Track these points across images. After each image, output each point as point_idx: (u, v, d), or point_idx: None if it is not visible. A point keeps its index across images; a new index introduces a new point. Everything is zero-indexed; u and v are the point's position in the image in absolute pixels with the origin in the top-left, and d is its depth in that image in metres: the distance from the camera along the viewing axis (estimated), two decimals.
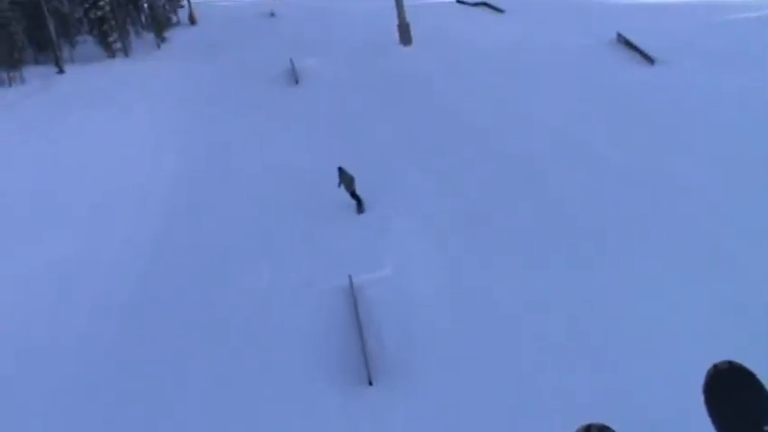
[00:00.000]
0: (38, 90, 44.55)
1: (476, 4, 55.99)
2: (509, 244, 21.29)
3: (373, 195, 25.38)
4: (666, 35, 35.34)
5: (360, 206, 25.27)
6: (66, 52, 52.56)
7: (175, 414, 17.25)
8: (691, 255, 18.63)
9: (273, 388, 17.55)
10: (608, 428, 2.16)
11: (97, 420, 17.53)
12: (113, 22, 52.42)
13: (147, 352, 20.04)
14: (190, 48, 52.25)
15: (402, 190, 25.97)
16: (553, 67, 35.33)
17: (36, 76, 47.84)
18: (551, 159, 25.93)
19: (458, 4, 58.25)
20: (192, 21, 64.45)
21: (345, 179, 25.16)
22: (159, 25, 55.39)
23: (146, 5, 61.53)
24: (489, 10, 53.32)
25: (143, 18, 61.50)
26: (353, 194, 25.29)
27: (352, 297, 20.18)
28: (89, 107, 39.02)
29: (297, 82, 40.98)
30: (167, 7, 64.65)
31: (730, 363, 2.36)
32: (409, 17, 45.52)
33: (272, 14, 65.15)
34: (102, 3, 52.01)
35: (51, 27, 50.66)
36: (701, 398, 2.34)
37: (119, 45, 52.77)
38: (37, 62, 51.39)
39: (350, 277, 20.86)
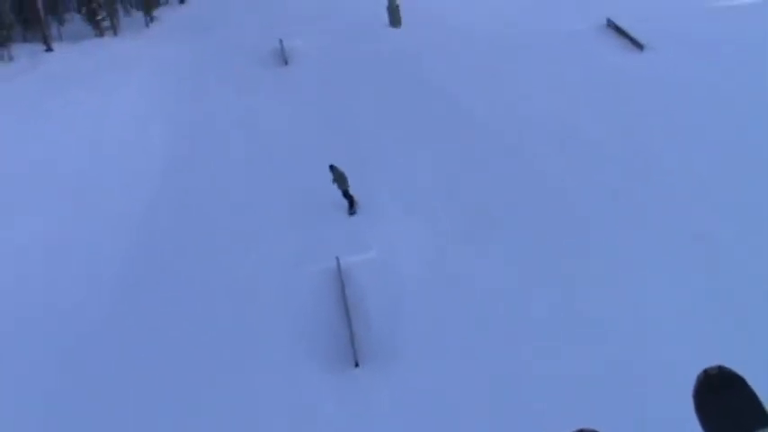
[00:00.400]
0: (26, 68, 44.19)
1: None
2: (495, 226, 21.40)
3: (361, 176, 25.30)
4: (658, 21, 35.32)
5: (351, 207, 23.88)
6: (54, 30, 52.17)
7: (163, 392, 17.34)
8: (679, 239, 18.82)
9: (260, 368, 17.68)
10: None
11: (85, 397, 17.63)
12: (102, 0, 52.07)
13: (134, 330, 20.10)
14: (179, 26, 51.84)
15: (389, 171, 25.98)
16: (542, 51, 35.30)
17: (24, 53, 47.42)
18: (540, 143, 26.03)
19: None
20: None
21: (338, 176, 23.74)
22: (148, 4, 54.94)
23: None
24: None
25: None
26: (346, 193, 23.86)
27: (340, 279, 20.28)
28: (78, 86, 38.75)
29: (286, 63, 40.83)
30: None
31: (720, 368, 2.31)
32: None
33: None
34: None
35: (39, 4, 50.31)
36: (690, 390, 2.30)
37: (107, 23, 52.34)
38: (25, 40, 50.96)
39: (337, 259, 20.94)
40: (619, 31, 36.71)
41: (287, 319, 19.38)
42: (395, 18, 44.88)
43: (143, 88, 38.69)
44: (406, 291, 19.35)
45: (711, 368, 2.31)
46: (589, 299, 17.28)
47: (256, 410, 16.36)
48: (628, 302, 16.85)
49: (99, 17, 52.37)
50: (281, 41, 42.28)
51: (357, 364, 17.19)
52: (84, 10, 53.24)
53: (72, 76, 41.01)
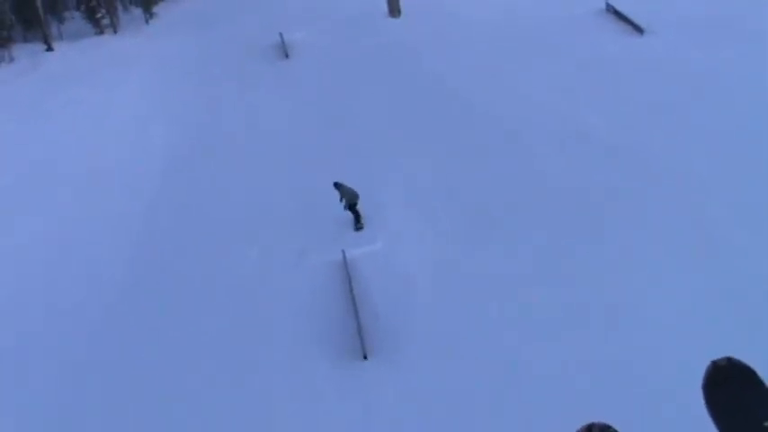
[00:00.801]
0: (27, 68, 44.29)
1: None
2: (498, 219, 21.41)
3: (363, 169, 25.29)
4: (657, 3, 35.14)
5: (358, 222, 22.55)
6: (54, 29, 52.23)
7: (169, 387, 17.42)
8: (681, 232, 18.82)
9: (268, 362, 17.75)
10: (610, 428, 2.12)
11: (87, 396, 17.75)
12: None
13: (136, 328, 20.18)
14: (179, 22, 51.82)
15: (392, 163, 25.94)
16: (542, 37, 35.21)
17: (25, 54, 47.52)
18: (538, 132, 25.97)
19: None
20: None
21: (346, 194, 22.46)
22: (147, 0, 54.95)
23: None
24: None
25: None
26: (352, 208, 22.52)
27: (346, 272, 20.32)
28: (78, 85, 38.85)
29: (287, 56, 40.83)
30: None
31: (729, 359, 2.29)
32: None
33: None
34: None
35: (39, 3, 50.36)
36: (693, 380, 2.37)
37: (107, 21, 52.40)
38: (25, 40, 51.03)
39: (343, 252, 20.98)
40: (618, 15, 36.62)
41: (293, 312, 19.41)
42: (394, 8, 44.85)
43: (144, 85, 38.75)
44: (413, 283, 19.39)
45: (720, 360, 2.30)
46: (592, 293, 17.28)
47: (264, 404, 16.41)
48: (631, 297, 16.84)
49: (98, 15, 52.42)
50: (281, 35, 42.26)
51: (365, 357, 17.25)
52: (83, 8, 53.27)
53: (73, 75, 41.11)
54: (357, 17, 44.20)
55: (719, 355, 2.33)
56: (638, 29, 34.23)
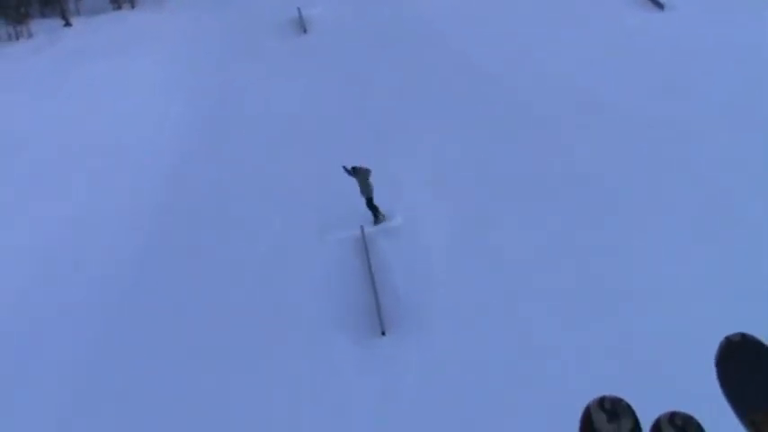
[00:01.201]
0: (45, 44, 44.27)
1: None
2: (519, 194, 21.40)
3: (383, 145, 25.26)
4: None
5: (377, 219, 21.55)
6: (71, 4, 52.20)
7: (190, 365, 17.56)
8: (700, 207, 18.78)
9: (287, 338, 17.85)
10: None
11: (110, 377, 17.89)
12: None
13: (162, 299, 20.37)
14: None
15: (412, 141, 25.92)
16: (563, 12, 34.94)
17: (43, 29, 47.48)
18: (561, 106, 25.90)
19: None
20: None
21: (361, 180, 21.13)
22: None
23: None
24: None
25: None
26: (369, 202, 21.36)
27: (365, 248, 20.36)
28: (97, 61, 38.81)
29: (305, 31, 40.71)
30: None
31: (743, 335, 2.25)
32: None
33: None
34: None
35: None
36: (710, 361, 2.28)
37: None
38: (43, 15, 51.01)
39: (362, 228, 21.01)
40: None
41: (312, 288, 19.50)
42: None
43: (163, 61, 38.71)
44: (431, 259, 19.44)
45: (734, 335, 2.27)
46: (615, 265, 17.32)
47: (283, 380, 16.54)
48: (649, 274, 16.86)
49: None
50: (299, 10, 42.12)
51: (384, 333, 17.33)
52: None
53: (90, 51, 41.07)
54: None
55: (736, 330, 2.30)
56: (659, 3, 33.87)
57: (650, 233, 18.31)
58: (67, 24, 48.79)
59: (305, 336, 17.86)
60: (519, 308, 16.88)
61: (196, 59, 38.69)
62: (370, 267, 19.47)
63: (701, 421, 2.07)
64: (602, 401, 2.17)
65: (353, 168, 21.28)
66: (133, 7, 52.26)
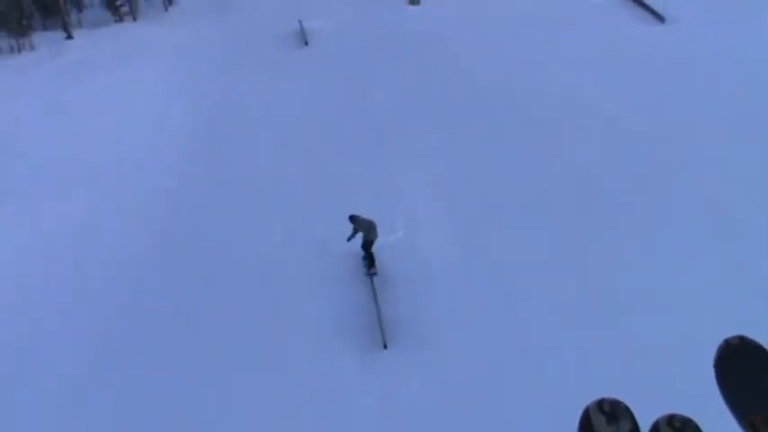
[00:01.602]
0: (47, 57, 44.39)
1: None
2: (519, 203, 21.43)
3: (385, 157, 25.28)
4: None
5: (371, 267, 19.61)
6: (73, 17, 52.40)
7: (189, 372, 17.50)
8: (700, 214, 18.81)
9: (288, 350, 17.77)
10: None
11: (115, 377, 17.85)
12: None
13: (162, 295, 20.39)
14: (198, 9, 51.89)
15: (413, 152, 25.95)
16: (563, 26, 35.08)
17: (45, 42, 47.65)
18: (562, 115, 25.97)
19: None
20: None
21: (363, 229, 19.63)
22: None
23: None
24: None
25: None
26: (367, 247, 19.70)
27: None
28: (99, 73, 38.91)
29: (306, 43, 40.83)
30: None
31: (742, 338, 2.25)
32: None
33: None
34: None
35: None
36: (711, 366, 2.27)
37: (126, 8, 52.56)
38: (45, 28, 51.21)
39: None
40: (638, 2, 36.40)
41: (314, 300, 19.41)
42: None
43: (165, 73, 38.79)
44: (434, 272, 19.40)
45: (733, 338, 2.26)
46: (616, 273, 17.34)
47: (284, 392, 16.46)
48: (652, 282, 16.88)
49: (118, 2, 52.53)
50: (300, 22, 42.25)
51: (385, 346, 17.28)
52: None
53: (93, 63, 41.19)
54: (377, 4, 44.17)
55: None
56: (659, 17, 33.98)
57: (652, 241, 18.33)
58: (69, 37, 48.96)
59: (306, 348, 17.78)
60: (522, 319, 16.89)
61: (197, 71, 38.80)
62: (372, 280, 19.43)
63: (699, 424, 2.07)
64: (600, 404, 2.17)
65: (351, 217, 20.05)
66: (135, 19, 52.48)
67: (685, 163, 21.38)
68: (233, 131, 31.21)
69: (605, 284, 17.07)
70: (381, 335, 17.47)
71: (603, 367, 14.16)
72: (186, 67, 39.62)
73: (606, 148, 23.22)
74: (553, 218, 20.26)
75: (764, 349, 2.24)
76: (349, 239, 19.78)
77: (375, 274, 19.44)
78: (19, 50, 47.91)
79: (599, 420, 2.15)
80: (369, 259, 19.68)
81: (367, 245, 19.63)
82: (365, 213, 20.18)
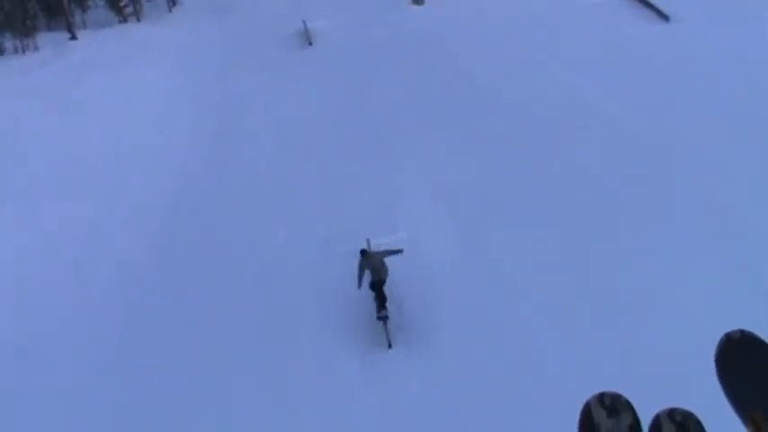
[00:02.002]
0: (51, 57, 44.36)
1: None
2: (520, 204, 21.40)
3: (387, 158, 25.27)
4: None
5: (382, 309, 17.76)
6: (77, 18, 52.46)
7: (193, 373, 17.50)
8: (701, 216, 18.79)
9: (292, 351, 17.75)
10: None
11: (115, 381, 17.85)
12: None
13: (162, 296, 20.43)
14: (201, 10, 51.90)
15: (416, 152, 25.91)
16: (564, 26, 35.00)
17: (49, 43, 47.67)
18: (563, 116, 25.90)
19: None
20: None
21: (372, 267, 18.35)
22: None
23: None
24: None
25: None
26: (377, 287, 18.11)
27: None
28: (102, 73, 38.87)
29: (310, 44, 40.84)
30: None
31: (742, 332, 2.26)
32: None
33: None
34: None
35: None
36: (712, 366, 2.29)
37: (130, 9, 52.62)
38: (49, 29, 51.25)
39: (368, 240, 20.90)
40: (642, 1, 36.33)
41: (318, 301, 19.39)
42: None
43: (168, 74, 38.79)
44: (437, 272, 19.38)
45: (734, 332, 2.27)
46: (615, 274, 17.31)
47: (288, 393, 16.45)
48: (652, 282, 16.85)
49: (122, 3, 52.59)
50: (304, 22, 42.26)
51: (390, 346, 17.27)
52: None
53: (97, 64, 41.18)
54: (381, 4, 44.16)
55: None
56: (664, 16, 33.90)
57: (652, 242, 18.32)
58: (73, 38, 49.02)
59: (310, 348, 17.75)
60: (525, 319, 16.86)
61: (201, 71, 38.81)
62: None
63: (700, 417, 2.07)
64: (601, 397, 2.20)
65: (362, 252, 19.10)
66: (138, 20, 52.55)
67: (685, 163, 21.33)
68: (234, 131, 31.22)
69: (605, 284, 17.04)
70: (386, 335, 17.45)
71: (603, 367, 14.12)
72: (189, 67, 39.64)
73: (606, 148, 23.17)
74: (553, 218, 20.22)
75: (766, 343, 2.25)
76: (359, 285, 18.18)
77: (386, 317, 17.69)
78: (23, 51, 48.01)
79: (600, 414, 2.17)
80: (379, 300, 17.94)
81: (376, 285, 18.10)
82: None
